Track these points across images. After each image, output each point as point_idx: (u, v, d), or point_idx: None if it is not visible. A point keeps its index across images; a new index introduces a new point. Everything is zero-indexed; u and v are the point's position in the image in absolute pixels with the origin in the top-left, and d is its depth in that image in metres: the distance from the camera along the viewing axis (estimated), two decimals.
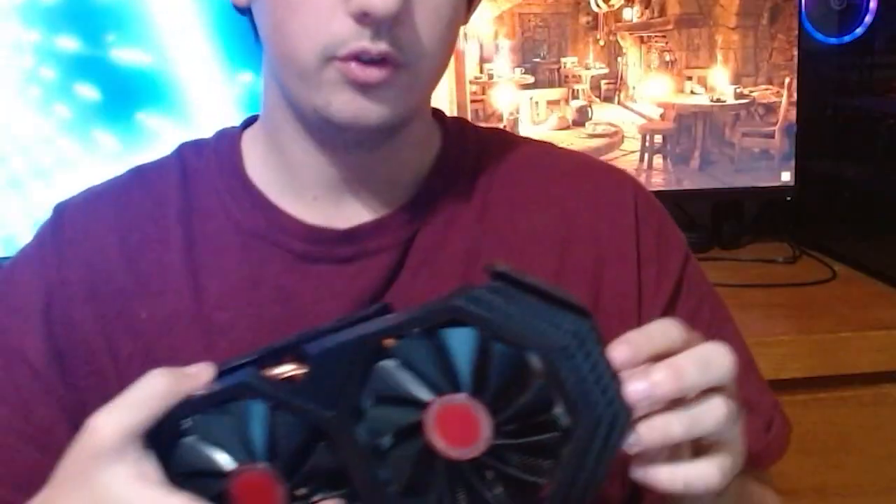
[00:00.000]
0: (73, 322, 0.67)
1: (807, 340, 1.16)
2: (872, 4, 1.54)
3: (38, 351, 0.67)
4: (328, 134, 0.66)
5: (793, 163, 1.49)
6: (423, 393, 0.46)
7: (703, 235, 1.51)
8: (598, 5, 1.43)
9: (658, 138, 1.47)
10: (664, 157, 1.47)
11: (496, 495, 0.47)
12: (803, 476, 1.15)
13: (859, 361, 1.17)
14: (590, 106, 1.45)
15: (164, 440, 0.50)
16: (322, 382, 0.48)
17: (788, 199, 1.51)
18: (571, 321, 0.45)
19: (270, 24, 0.64)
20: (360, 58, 0.59)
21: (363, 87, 0.60)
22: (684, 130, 1.47)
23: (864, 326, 1.19)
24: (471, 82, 1.40)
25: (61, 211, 0.72)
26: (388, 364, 0.47)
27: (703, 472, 0.50)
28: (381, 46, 0.59)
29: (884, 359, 1.17)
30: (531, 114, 1.43)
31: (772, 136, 1.49)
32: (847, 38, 1.56)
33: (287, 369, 0.52)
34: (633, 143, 1.46)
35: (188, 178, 0.72)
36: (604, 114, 1.45)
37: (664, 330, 0.49)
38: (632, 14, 1.44)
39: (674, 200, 0.82)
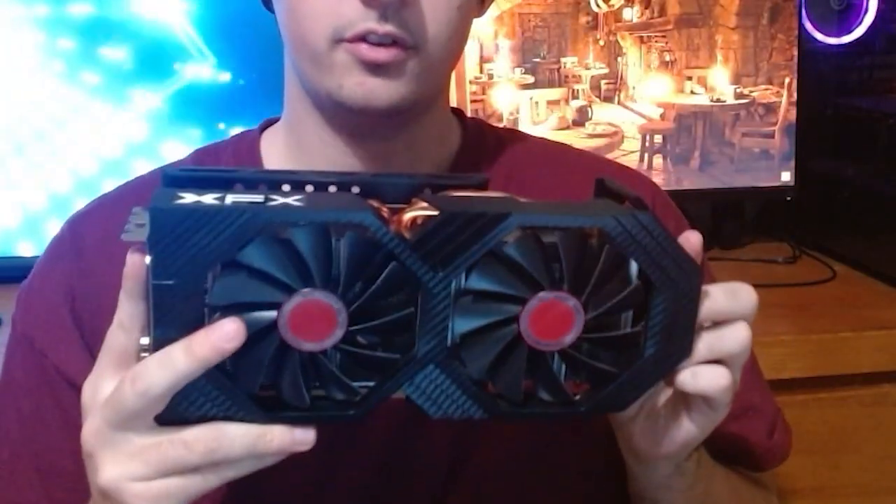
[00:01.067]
0: (103, 330, 0.66)
1: (807, 340, 1.16)
2: (872, 4, 1.54)
3: (78, 366, 0.67)
4: (343, 120, 0.67)
5: (793, 163, 1.49)
6: (521, 290, 0.47)
7: (703, 235, 1.50)
8: (598, 5, 1.43)
9: (658, 138, 1.47)
10: (664, 157, 1.47)
11: (598, 365, 0.50)
12: (803, 476, 1.15)
13: (859, 361, 1.17)
14: (590, 106, 1.45)
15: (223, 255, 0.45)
16: (440, 240, 0.46)
17: (788, 199, 1.51)
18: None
19: (284, 9, 0.65)
20: (368, 39, 0.60)
21: (373, 68, 0.61)
22: (684, 130, 1.47)
23: (864, 326, 1.19)
24: (471, 82, 1.39)
25: (77, 222, 0.72)
26: (508, 250, 0.47)
27: (717, 374, 0.52)
28: (387, 27, 0.60)
29: (884, 359, 1.17)
30: (531, 114, 1.43)
31: (772, 136, 1.49)
32: (847, 38, 1.56)
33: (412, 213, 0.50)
34: (633, 143, 1.46)
35: None
36: (604, 114, 1.45)
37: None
38: (632, 14, 1.44)
39: (674, 200, 0.82)
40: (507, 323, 0.48)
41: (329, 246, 0.45)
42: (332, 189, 0.54)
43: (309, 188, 0.53)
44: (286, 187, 0.53)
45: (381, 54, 0.60)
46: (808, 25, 1.54)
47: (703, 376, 0.52)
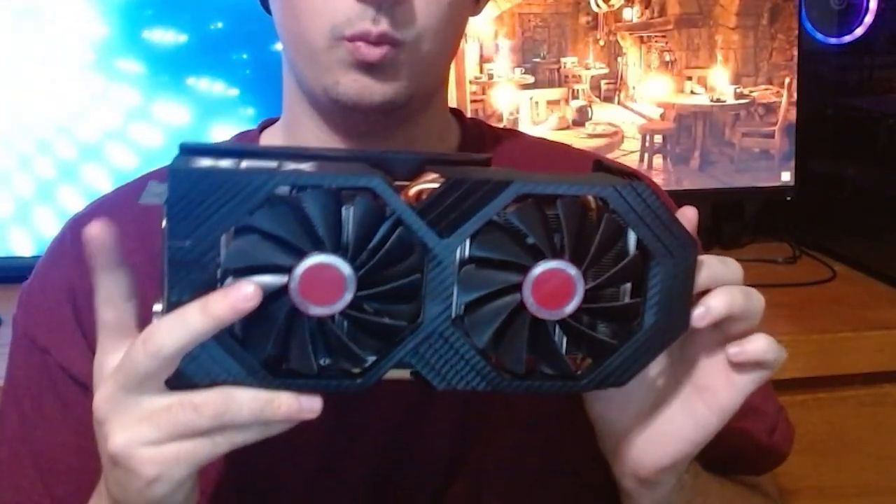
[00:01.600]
0: None
1: (807, 340, 1.16)
2: (872, 4, 1.54)
3: (81, 362, 0.67)
4: (339, 119, 0.68)
5: (793, 163, 1.49)
6: (524, 258, 0.48)
7: (703, 235, 1.50)
8: (598, 5, 1.43)
9: (658, 138, 1.47)
10: (664, 157, 1.47)
11: (594, 332, 0.51)
12: (803, 476, 1.15)
13: (859, 361, 1.17)
14: (590, 106, 1.45)
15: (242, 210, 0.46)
16: (445, 206, 0.47)
17: (788, 199, 1.51)
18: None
19: (282, 9, 0.66)
20: (366, 38, 0.61)
21: (367, 67, 0.62)
22: (684, 130, 1.47)
23: (864, 326, 1.19)
24: (471, 82, 1.39)
25: (78, 223, 0.72)
26: (510, 218, 0.48)
27: (763, 342, 0.55)
28: (381, 27, 0.61)
29: (884, 359, 1.17)
30: (531, 114, 1.43)
31: (772, 136, 1.49)
32: (847, 38, 1.56)
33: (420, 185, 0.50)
34: (633, 143, 1.46)
35: None
36: (604, 114, 1.45)
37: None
38: (632, 14, 1.44)
39: (674, 200, 0.82)
40: (510, 291, 0.48)
41: (339, 211, 0.46)
42: None
43: None
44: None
45: (375, 53, 0.61)
46: (808, 25, 1.54)
47: (752, 343, 0.54)
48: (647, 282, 0.50)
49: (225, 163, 0.47)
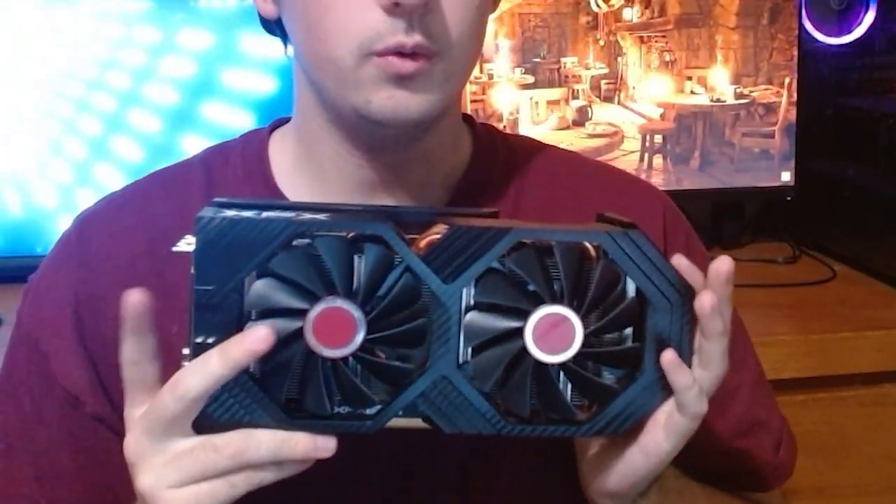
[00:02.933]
0: (106, 338, 0.66)
1: (807, 340, 1.16)
2: (872, 4, 1.54)
3: (78, 375, 0.68)
4: (366, 133, 0.66)
5: (793, 163, 1.49)
6: (525, 303, 0.51)
7: (703, 235, 1.49)
8: (598, 5, 1.43)
9: (658, 138, 1.47)
10: (664, 157, 1.47)
11: (597, 378, 0.52)
12: (803, 476, 1.14)
13: (859, 361, 1.17)
14: (590, 106, 1.45)
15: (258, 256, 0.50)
16: (448, 253, 0.50)
17: (788, 199, 1.51)
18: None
19: (304, 27, 0.63)
20: (400, 52, 0.60)
21: (401, 80, 0.60)
22: (684, 130, 1.47)
23: (864, 326, 1.19)
24: (471, 82, 1.39)
25: (84, 224, 0.71)
26: (510, 265, 0.51)
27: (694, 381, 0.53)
28: (415, 38, 0.59)
29: (884, 359, 1.17)
30: (531, 114, 1.43)
31: (772, 136, 1.49)
32: (847, 38, 1.56)
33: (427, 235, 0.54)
34: (633, 143, 1.46)
35: (213, 188, 0.70)
36: (604, 114, 1.45)
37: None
38: (632, 14, 1.44)
39: (674, 200, 0.82)
40: (513, 336, 0.51)
41: (351, 259, 0.50)
42: None
43: None
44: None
45: (410, 66, 0.60)
46: (808, 25, 1.54)
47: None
48: (644, 328, 0.52)
49: (248, 213, 0.51)
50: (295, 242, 0.50)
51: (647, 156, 1.46)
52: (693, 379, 0.52)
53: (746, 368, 0.76)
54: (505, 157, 0.75)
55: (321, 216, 0.51)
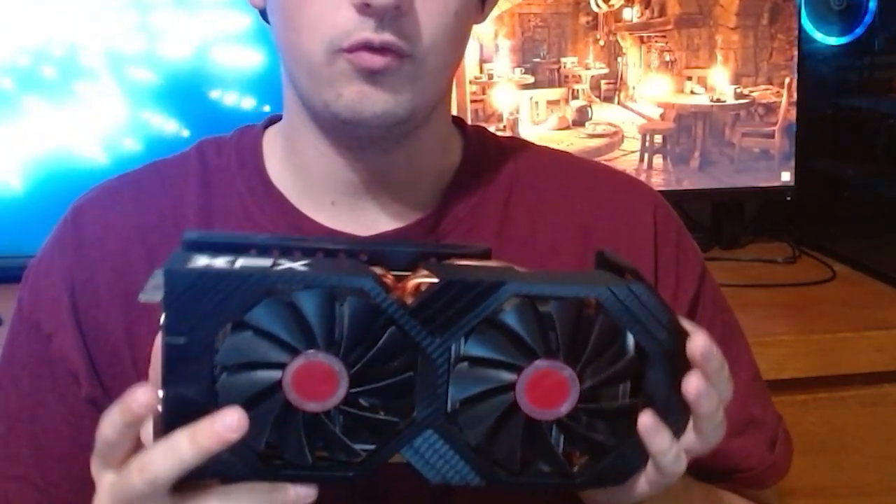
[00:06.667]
0: (99, 323, 0.68)
1: (807, 340, 1.16)
2: (872, 4, 1.54)
3: (76, 356, 0.68)
4: (341, 132, 0.66)
5: (793, 163, 1.49)
6: (518, 358, 0.48)
7: (703, 235, 1.51)
8: (598, 5, 1.43)
9: (658, 138, 1.47)
10: (664, 157, 1.47)
11: (595, 437, 0.50)
12: (803, 476, 1.15)
13: (859, 361, 1.17)
14: (590, 106, 1.45)
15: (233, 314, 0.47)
16: (438, 306, 0.48)
17: (788, 199, 1.51)
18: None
19: (281, 21, 0.64)
20: (368, 46, 0.60)
21: (370, 76, 0.60)
22: (684, 130, 1.47)
23: (864, 326, 1.19)
24: (471, 82, 1.39)
25: (80, 210, 0.72)
26: (504, 318, 0.49)
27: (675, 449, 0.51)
28: (384, 36, 0.59)
29: (884, 359, 1.17)
30: (531, 114, 1.43)
31: (772, 136, 1.49)
32: (847, 38, 1.56)
33: (416, 280, 0.52)
34: (633, 143, 1.46)
35: (208, 177, 0.71)
36: (604, 114, 1.45)
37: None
38: (632, 14, 1.44)
39: (674, 200, 0.81)
40: (504, 391, 0.49)
41: (332, 310, 0.47)
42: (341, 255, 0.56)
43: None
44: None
45: (378, 61, 0.60)
46: (808, 25, 1.54)
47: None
48: (644, 382, 0.50)
49: (221, 261, 0.49)
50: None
51: (647, 156, 1.46)
52: (670, 444, 0.50)
53: (742, 368, 0.76)
54: (496, 159, 0.74)
55: (299, 264, 0.49)
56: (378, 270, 0.52)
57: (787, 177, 1.49)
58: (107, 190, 0.73)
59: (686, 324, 0.51)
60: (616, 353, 0.50)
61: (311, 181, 0.69)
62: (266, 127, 0.75)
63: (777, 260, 1.46)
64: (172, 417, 0.47)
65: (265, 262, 0.49)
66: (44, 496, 0.69)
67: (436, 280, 0.49)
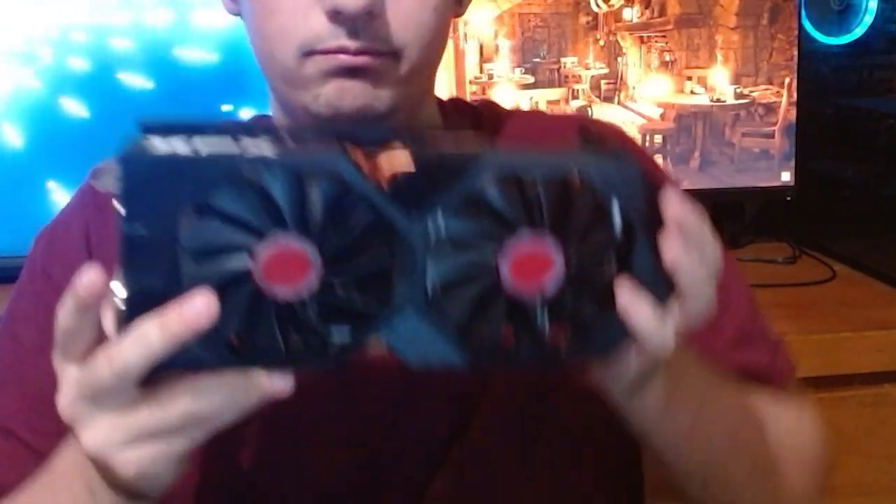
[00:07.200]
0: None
1: (807, 340, 1.16)
2: (872, 4, 1.54)
3: None
4: None
5: (793, 163, 1.49)
6: (500, 233, 0.46)
7: None
8: (598, 5, 1.43)
9: (658, 138, 1.47)
10: (664, 157, 1.47)
11: (580, 312, 0.48)
12: None
13: (859, 361, 1.17)
14: (590, 106, 1.45)
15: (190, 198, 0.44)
16: (415, 186, 0.46)
17: (788, 199, 1.51)
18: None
19: (253, 27, 0.64)
20: (344, 53, 0.59)
21: (351, 71, 0.60)
22: (684, 130, 1.47)
23: (864, 326, 1.19)
24: (471, 82, 1.40)
25: (99, 170, 0.73)
26: (485, 194, 0.46)
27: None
28: (359, 43, 0.59)
29: (884, 359, 1.17)
30: None
31: (772, 136, 1.49)
32: (847, 38, 1.56)
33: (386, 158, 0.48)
34: None
35: None
36: (604, 114, 1.45)
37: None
38: (632, 14, 1.44)
39: None
40: (487, 268, 0.47)
41: (303, 191, 0.45)
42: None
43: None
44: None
45: (357, 60, 0.59)
46: (809, 25, 1.54)
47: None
48: (631, 255, 0.48)
49: (180, 144, 0.45)
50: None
51: None
52: (650, 315, 0.48)
53: (739, 289, 0.76)
54: (472, 129, 0.75)
55: (268, 148, 0.46)
56: (349, 147, 0.49)
57: (787, 177, 1.49)
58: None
59: (672, 197, 0.50)
60: (601, 227, 0.48)
61: None
62: None
63: (777, 260, 1.46)
64: (135, 309, 0.45)
65: (230, 145, 0.46)
66: (31, 452, 0.67)
67: (408, 151, 0.46)
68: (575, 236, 0.47)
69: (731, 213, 1.55)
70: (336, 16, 0.58)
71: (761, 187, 1.50)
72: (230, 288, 0.44)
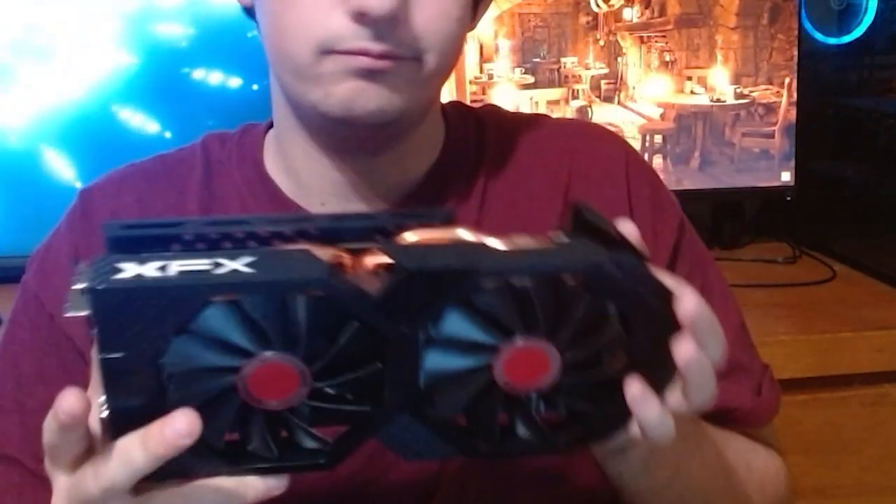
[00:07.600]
0: None
1: (807, 340, 1.16)
2: (872, 4, 1.54)
3: (82, 335, 0.67)
4: (329, 134, 0.66)
5: (793, 163, 1.49)
6: (495, 338, 0.46)
7: (703, 235, 1.50)
8: (598, 5, 1.43)
9: (658, 138, 1.47)
10: (664, 157, 1.47)
11: (577, 404, 0.49)
12: (803, 476, 1.15)
13: (859, 361, 1.17)
14: (590, 106, 1.45)
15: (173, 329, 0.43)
16: (404, 297, 0.44)
17: (788, 198, 1.51)
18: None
19: (267, 21, 0.63)
20: (365, 55, 0.59)
21: (368, 73, 0.59)
22: (684, 130, 1.47)
23: (864, 326, 1.19)
24: (471, 82, 1.40)
25: (89, 195, 0.73)
26: (477, 300, 0.45)
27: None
28: (382, 47, 0.59)
29: (884, 359, 1.17)
30: None
31: (772, 136, 1.49)
32: (847, 38, 1.56)
33: (369, 260, 0.48)
34: (633, 144, 1.46)
35: (211, 171, 0.72)
36: (604, 114, 1.45)
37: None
38: (632, 14, 1.44)
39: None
40: (481, 370, 0.46)
41: (285, 306, 0.44)
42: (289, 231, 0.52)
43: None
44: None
45: (378, 63, 0.59)
46: (809, 25, 1.54)
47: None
48: (629, 346, 0.48)
49: (151, 267, 0.43)
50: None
51: (647, 156, 1.46)
52: (660, 411, 0.48)
53: (727, 317, 0.76)
54: (475, 139, 0.74)
55: (241, 263, 0.43)
56: (331, 250, 0.48)
57: (787, 177, 1.49)
58: (115, 177, 0.74)
59: (672, 283, 0.49)
60: (597, 322, 0.47)
61: (300, 183, 0.70)
62: (269, 127, 0.75)
63: (777, 260, 1.46)
64: (120, 427, 0.44)
65: (202, 262, 0.44)
66: (33, 479, 0.67)
67: (395, 273, 0.45)
68: (571, 335, 0.47)
69: (731, 213, 1.55)
70: (361, 17, 0.58)
71: (761, 187, 1.50)
72: (217, 403, 0.44)
